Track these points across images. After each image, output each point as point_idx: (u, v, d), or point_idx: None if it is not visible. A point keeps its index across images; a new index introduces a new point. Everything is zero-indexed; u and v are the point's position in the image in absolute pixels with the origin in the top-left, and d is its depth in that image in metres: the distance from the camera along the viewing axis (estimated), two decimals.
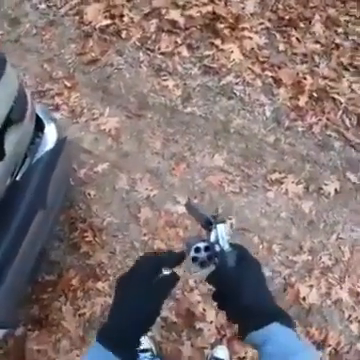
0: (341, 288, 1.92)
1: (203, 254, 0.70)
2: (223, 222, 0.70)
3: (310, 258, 1.97)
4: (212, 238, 0.69)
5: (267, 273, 1.92)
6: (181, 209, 1.98)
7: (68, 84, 2.36)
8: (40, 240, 1.52)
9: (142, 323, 0.63)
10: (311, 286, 1.92)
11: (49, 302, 1.86)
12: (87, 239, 1.92)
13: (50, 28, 2.55)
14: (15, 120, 1.26)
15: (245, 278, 0.66)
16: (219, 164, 2.05)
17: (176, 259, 0.70)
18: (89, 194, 2.06)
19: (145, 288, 0.64)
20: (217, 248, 0.68)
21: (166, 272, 0.66)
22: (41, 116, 1.50)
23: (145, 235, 1.96)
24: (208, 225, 0.71)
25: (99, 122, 2.24)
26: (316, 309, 1.90)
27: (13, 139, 1.25)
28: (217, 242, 0.68)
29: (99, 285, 1.85)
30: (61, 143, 1.50)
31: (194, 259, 0.69)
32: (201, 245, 0.69)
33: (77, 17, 2.53)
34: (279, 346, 0.61)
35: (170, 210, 2.00)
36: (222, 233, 0.69)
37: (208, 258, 0.70)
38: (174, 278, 0.68)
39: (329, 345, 1.82)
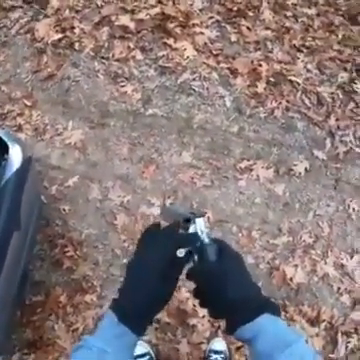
0: (325, 263, 1.99)
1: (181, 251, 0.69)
2: (202, 216, 0.71)
3: (290, 239, 2.04)
4: (190, 231, 0.69)
5: (251, 260, 1.98)
6: (156, 211, 2.03)
7: (28, 103, 2.38)
8: (20, 262, 1.53)
9: (159, 302, 0.66)
10: (296, 266, 1.98)
11: (41, 323, 1.87)
12: (68, 254, 1.95)
13: (3, 49, 2.57)
14: None
15: (228, 271, 0.65)
16: (187, 161, 2.11)
17: (190, 239, 0.70)
18: (64, 209, 2.09)
19: (162, 269, 0.65)
20: (197, 243, 0.68)
21: (181, 254, 0.67)
22: (4, 138, 1.52)
23: (125, 241, 1.99)
24: (186, 223, 0.71)
25: (64, 136, 2.27)
26: (305, 287, 1.96)
27: None
28: (197, 236, 0.68)
29: (87, 298, 1.88)
30: (27, 162, 1.52)
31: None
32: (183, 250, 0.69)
33: (28, 35, 2.56)
34: (271, 339, 0.59)
35: (146, 213, 2.04)
36: (201, 226, 0.69)
37: (186, 254, 0.69)
38: (189, 256, 0.68)
39: (323, 320, 1.88)
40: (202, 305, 0.68)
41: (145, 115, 2.17)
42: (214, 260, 0.66)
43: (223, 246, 0.70)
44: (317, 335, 1.84)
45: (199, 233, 0.69)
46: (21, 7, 2.67)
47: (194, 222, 0.70)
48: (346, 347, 1.85)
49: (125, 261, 1.98)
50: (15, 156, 1.50)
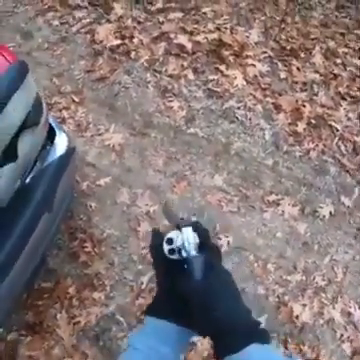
0: (333, 308, 2.03)
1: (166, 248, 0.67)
2: (190, 225, 0.67)
3: (304, 278, 2.09)
4: (178, 242, 0.66)
5: (261, 291, 2.04)
6: None
7: (76, 99, 2.53)
8: (43, 243, 1.59)
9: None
10: (304, 305, 2.03)
11: (44, 309, 1.92)
12: (86, 249, 2.03)
13: (61, 44, 2.75)
14: (30, 124, 1.35)
15: (214, 290, 0.60)
16: (218, 184, 2.21)
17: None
18: (90, 206, 2.19)
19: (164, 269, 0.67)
20: (184, 253, 0.65)
21: (169, 253, 0.67)
22: (53, 125, 1.62)
23: (143, 249, 2.08)
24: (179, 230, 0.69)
25: (104, 137, 2.40)
26: (309, 328, 2.00)
27: (27, 142, 1.35)
28: (183, 247, 0.65)
29: (95, 295, 1.94)
30: (71, 151, 1.62)
31: (171, 251, 0.67)
32: (173, 236, 0.67)
33: (88, 35, 2.74)
34: None
35: (168, 226, 2.13)
36: (188, 237, 0.65)
37: (173, 251, 0.67)
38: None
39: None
40: (188, 326, 0.64)
41: (186, 133, 2.29)
42: (199, 275, 0.61)
43: (211, 260, 0.64)
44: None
45: (185, 244, 0.65)
46: (86, 8, 2.86)
47: (181, 231, 0.66)
48: None
49: (140, 267, 2.07)
50: (60, 143, 1.60)
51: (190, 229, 0.66)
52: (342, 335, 1.98)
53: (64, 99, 2.56)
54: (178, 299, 0.63)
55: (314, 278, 2.10)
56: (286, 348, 1.95)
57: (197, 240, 0.65)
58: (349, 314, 2.04)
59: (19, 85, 1.26)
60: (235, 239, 2.13)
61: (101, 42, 2.64)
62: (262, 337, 0.60)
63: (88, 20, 2.78)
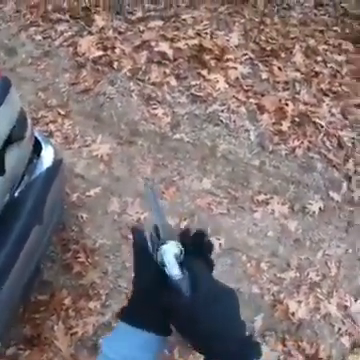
0: (329, 303, 2.07)
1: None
2: (171, 240, 0.58)
3: (298, 275, 2.14)
4: (158, 259, 0.58)
5: (256, 290, 2.09)
6: None
7: (62, 112, 2.60)
8: (35, 256, 1.63)
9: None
10: (300, 302, 2.06)
11: (41, 321, 1.95)
12: (80, 260, 2.07)
13: (45, 58, 2.83)
14: (16, 138, 1.41)
15: (202, 306, 0.56)
16: (207, 187, 2.27)
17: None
18: (81, 217, 2.25)
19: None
20: (166, 272, 0.57)
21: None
22: (39, 138, 1.67)
23: None
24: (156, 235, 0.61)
25: (91, 148, 2.46)
26: (306, 324, 2.03)
27: (13, 156, 1.40)
28: (164, 267, 0.57)
29: (91, 304, 1.98)
30: (58, 163, 1.67)
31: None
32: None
33: (71, 48, 2.82)
34: None
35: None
36: (169, 258, 0.57)
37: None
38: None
39: (320, 358, 1.95)
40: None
41: (172, 139, 2.36)
42: (185, 292, 0.56)
43: (197, 276, 0.58)
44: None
45: (166, 264, 0.57)
46: (67, 21, 2.94)
47: (159, 249, 0.58)
48: None
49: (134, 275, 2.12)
50: (47, 156, 1.65)
51: (170, 247, 0.58)
52: (340, 329, 2.02)
53: (50, 113, 2.63)
54: (160, 308, 0.60)
55: (308, 274, 2.14)
56: (284, 346, 2.00)
57: (179, 255, 0.58)
58: (345, 307, 2.08)
59: (2, 101, 1.32)
60: (227, 241, 2.18)
61: (84, 54, 2.72)
62: (255, 354, 0.58)
63: (70, 33, 2.86)
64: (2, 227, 1.33)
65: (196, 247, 0.61)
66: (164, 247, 0.58)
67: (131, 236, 0.66)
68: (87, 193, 2.31)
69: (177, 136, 2.38)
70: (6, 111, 1.34)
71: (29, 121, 1.57)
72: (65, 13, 2.92)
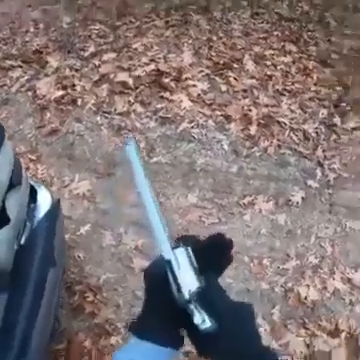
0: (334, 279, 2.24)
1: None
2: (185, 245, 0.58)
3: (299, 262, 2.29)
4: (171, 280, 0.57)
5: (265, 286, 2.20)
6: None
7: (33, 157, 2.64)
8: (54, 302, 1.65)
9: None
10: (308, 286, 2.22)
11: None
12: (88, 299, 2.09)
13: (5, 107, 2.87)
14: (15, 184, 1.43)
15: (224, 332, 0.57)
16: (194, 202, 2.41)
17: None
18: (79, 257, 2.27)
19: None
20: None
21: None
22: (32, 183, 1.70)
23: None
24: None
25: (71, 188, 2.52)
26: (319, 304, 2.18)
27: (14, 204, 1.42)
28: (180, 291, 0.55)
29: (113, 340, 1.98)
30: (56, 203, 1.73)
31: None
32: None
33: (30, 92, 2.89)
34: None
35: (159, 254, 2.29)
36: (185, 283, 0.56)
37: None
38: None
39: (342, 330, 2.08)
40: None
41: (150, 163, 2.49)
42: (208, 327, 0.56)
43: (211, 299, 0.58)
44: (340, 345, 2.04)
45: (184, 296, 0.55)
46: (20, 67, 3.03)
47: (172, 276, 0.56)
48: None
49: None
50: (44, 199, 1.69)
51: (185, 272, 0.56)
52: (351, 300, 2.18)
53: (21, 160, 2.66)
54: (171, 320, 0.60)
55: (308, 259, 2.30)
56: (307, 329, 2.09)
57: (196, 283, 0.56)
58: (349, 280, 2.25)
59: (1, 145, 1.36)
60: None
61: (44, 96, 2.81)
62: None
63: (26, 78, 2.95)
64: (19, 277, 1.36)
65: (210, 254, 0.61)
66: (176, 251, 0.58)
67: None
68: (78, 232, 2.36)
69: (154, 159, 2.52)
70: (5, 155, 1.38)
71: (23, 165, 1.63)
72: (16, 59, 3.01)
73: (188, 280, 0.56)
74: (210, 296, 0.58)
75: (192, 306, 0.55)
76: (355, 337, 2.08)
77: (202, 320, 0.55)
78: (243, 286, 2.17)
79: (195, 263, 0.57)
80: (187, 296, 0.55)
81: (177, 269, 0.56)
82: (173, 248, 0.58)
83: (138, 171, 0.65)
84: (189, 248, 0.59)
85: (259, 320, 2.04)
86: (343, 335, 2.10)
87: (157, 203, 0.64)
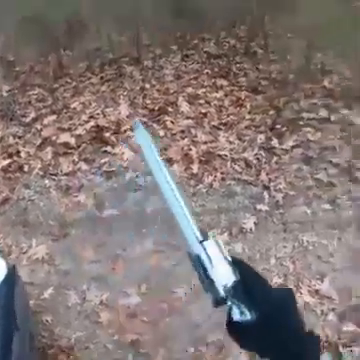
0: (301, 294, 2.33)
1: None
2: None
3: None
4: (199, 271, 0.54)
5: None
6: (134, 299, 2.38)
7: None
8: None
9: None
10: None
11: None
12: None
13: None
14: None
15: (268, 326, 0.56)
16: (150, 248, 2.53)
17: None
18: (47, 321, 2.30)
19: None
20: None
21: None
22: None
23: (114, 335, 2.27)
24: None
25: (30, 254, 2.59)
26: None
27: None
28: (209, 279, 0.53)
29: None
30: (12, 270, 1.77)
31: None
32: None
33: None
34: None
35: (125, 304, 2.37)
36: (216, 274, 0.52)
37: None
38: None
39: (320, 341, 2.22)
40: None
41: (102, 217, 2.61)
42: (251, 322, 0.54)
43: (257, 289, 0.57)
44: (322, 353, 2.16)
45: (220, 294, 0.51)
46: None
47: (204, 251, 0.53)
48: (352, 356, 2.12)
49: (120, 351, 2.25)
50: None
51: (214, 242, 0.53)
52: (322, 310, 2.26)
53: None
54: None
55: (272, 280, 2.39)
56: None
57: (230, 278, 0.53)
58: (316, 291, 2.35)
59: None
60: (190, 286, 2.42)
61: None
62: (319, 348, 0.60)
63: None
64: None
65: None
66: (205, 243, 0.54)
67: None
68: (42, 296, 2.40)
69: (106, 213, 2.63)
70: None
71: None
72: None
73: (222, 274, 0.53)
74: (247, 288, 0.56)
75: (229, 302, 0.54)
76: (334, 345, 2.15)
77: (241, 313, 0.54)
78: (217, 317, 2.26)
79: (227, 254, 0.54)
80: (223, 293, 0.53)
81: (208, 264, 0.54)
82: (201, 241, 0.55)
83: (150, 154, 0.61)
84: (219, 239, 0.55)
85: None
86: (322, 345, 2.18)
87: (175, 186, 0.60)
